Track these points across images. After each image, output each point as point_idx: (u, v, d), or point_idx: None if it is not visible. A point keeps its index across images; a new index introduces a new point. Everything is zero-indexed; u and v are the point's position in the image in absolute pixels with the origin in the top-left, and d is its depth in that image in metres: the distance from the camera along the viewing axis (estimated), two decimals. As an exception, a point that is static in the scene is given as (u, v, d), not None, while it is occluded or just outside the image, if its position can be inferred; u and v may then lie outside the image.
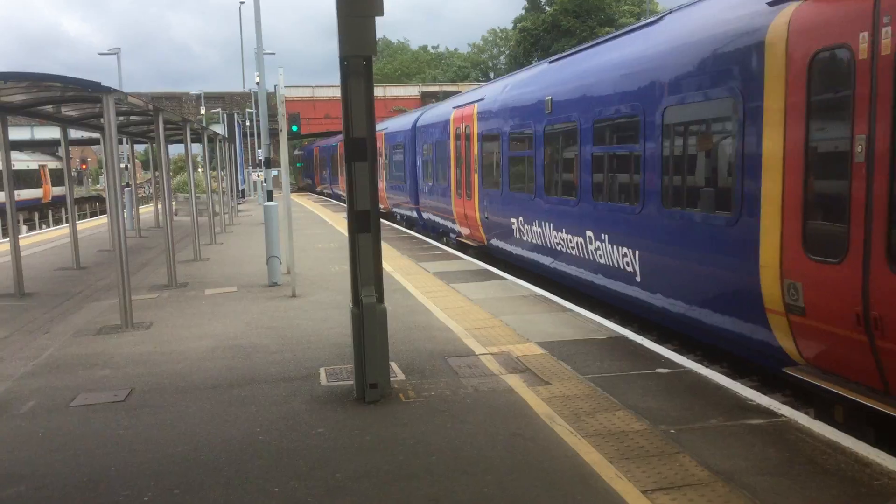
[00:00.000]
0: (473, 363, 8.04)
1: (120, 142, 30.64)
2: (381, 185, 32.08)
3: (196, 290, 13.76)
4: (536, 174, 12.78)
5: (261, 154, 46.18)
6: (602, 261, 10.48)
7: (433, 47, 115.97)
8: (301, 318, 10.86)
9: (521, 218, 13.71)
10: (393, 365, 7.78)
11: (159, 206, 35.18)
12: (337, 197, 46.63)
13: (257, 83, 28.91)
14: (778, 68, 6.64)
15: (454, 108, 19.09)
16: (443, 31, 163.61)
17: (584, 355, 8.14)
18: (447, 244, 20.13)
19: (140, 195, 51.42)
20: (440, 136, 20.44)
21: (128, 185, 28.71)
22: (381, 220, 41.30)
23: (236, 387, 7.55)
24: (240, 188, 43.89)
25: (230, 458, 5.68)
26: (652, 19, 10.10)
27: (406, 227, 25.69)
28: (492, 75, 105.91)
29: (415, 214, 25.37)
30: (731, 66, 7.40)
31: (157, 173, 38.62)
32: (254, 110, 54.27)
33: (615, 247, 10.05)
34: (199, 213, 30.29)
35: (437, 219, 21.93)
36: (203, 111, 46.15)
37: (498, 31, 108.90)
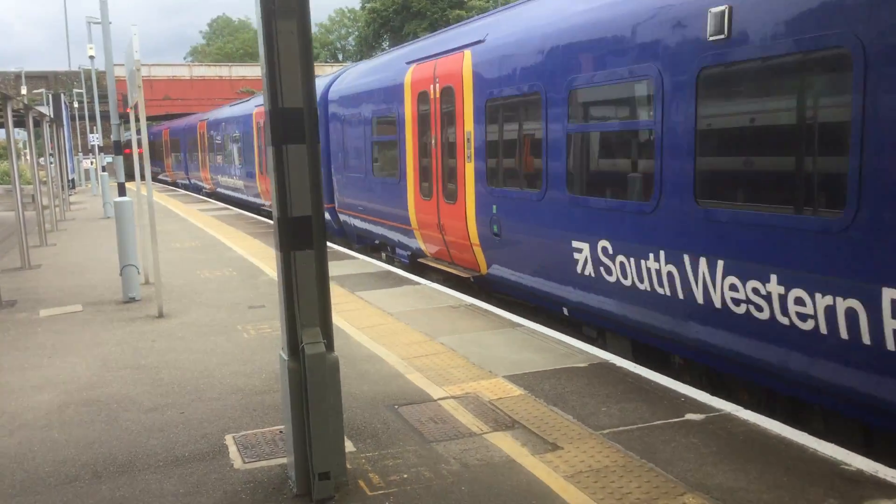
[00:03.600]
0: (437, 414, 6.00)
1: None
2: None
3: (28, 310, 10.78)
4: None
5: (94, 140, 41.34)
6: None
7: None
8: (177, 349, 8.36)
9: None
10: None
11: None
12: (196, 189, 42.76)
13: (91, 56, 25.09)
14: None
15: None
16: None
17: (577, 395, 6.30)
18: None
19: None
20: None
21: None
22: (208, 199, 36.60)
23: (104, 479, 5.11)
24: (69, 177, 39.00)
25: None
26: None
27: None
28: (341, 57, 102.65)
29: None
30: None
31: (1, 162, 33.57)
32: (83, 90, 48.79)
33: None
34: (25, 206, 26.13)
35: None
36: (24, 91, 40.63)
37: (346, 11, 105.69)
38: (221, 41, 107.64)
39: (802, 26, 5.42)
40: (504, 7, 11.08)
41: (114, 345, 8.67)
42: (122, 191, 11.42)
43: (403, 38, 71.14)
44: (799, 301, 5.51)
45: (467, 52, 10.48)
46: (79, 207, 30.75)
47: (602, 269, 7.77)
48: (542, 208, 8.82)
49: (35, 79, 51.36)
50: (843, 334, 5.19)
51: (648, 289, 7.11)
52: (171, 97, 60.18)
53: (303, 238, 4.60)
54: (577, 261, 8.19)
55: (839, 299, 5.19)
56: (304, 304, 4.64)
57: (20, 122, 21.76)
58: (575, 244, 8.19)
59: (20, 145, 48.81)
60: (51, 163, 24.73)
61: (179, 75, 62.45)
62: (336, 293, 10.93)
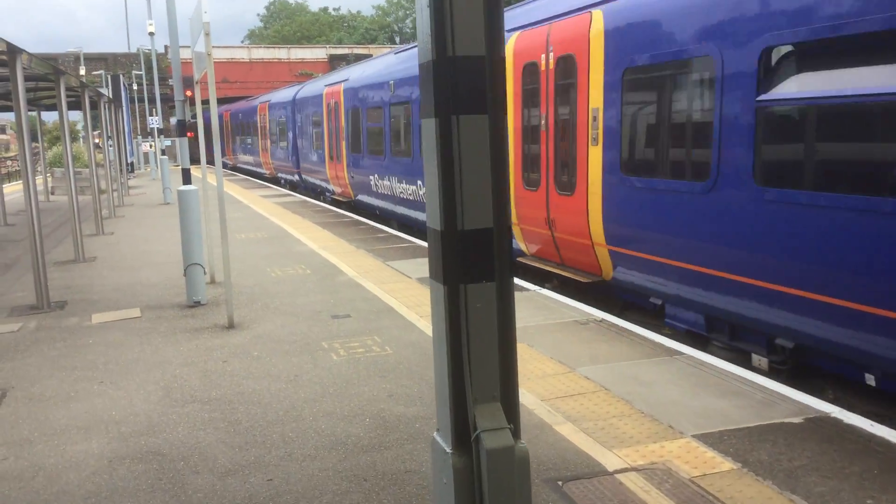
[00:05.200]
0: (622, 499, 4.29)
1: (5, 109, 24.97)
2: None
3: (79, 314, 9.39)
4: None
5: (153, 122, 40.54)
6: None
7: (334, 9, 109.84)
8: (255, 374, 6.81)
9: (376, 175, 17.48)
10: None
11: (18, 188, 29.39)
12: (258, 175, 41.77)
13: (151, 33, 23.86)
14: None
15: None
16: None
17: (816, 473, 4.51)
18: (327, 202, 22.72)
19: (3, 171, 44.82)
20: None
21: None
22: (266, 183, 35.18)
23: None
24: (129, 161, 38.28)
25: None
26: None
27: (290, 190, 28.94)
28: (398, 39, 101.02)
29: (296, 178, 28.44)
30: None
31: (45, 144, 32.74)
32: (142, 72, 48.13)
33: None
34: (81, 190, 25.12)
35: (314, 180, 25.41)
36: (83, 72, 39.98)
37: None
38: (279, 24, 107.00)
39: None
40: (356, 63, 15.87)
41: (178, 365, 7.17)
42: (186, 178, 9.92)
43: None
44: None
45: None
46: (138, 192, 29.77)
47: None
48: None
49: (94, 61, 50.93)
50: None
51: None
52: (229, 80, 59.33)
53: (480, 264, 2.92)
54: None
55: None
56: (480, 365, 2.96)
57: (77, 105, 20.63)
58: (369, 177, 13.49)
59: (77, 127, 48.47)
60: (109, 146, 23.64)
61: (238, 58, 61.60)
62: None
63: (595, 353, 6.94)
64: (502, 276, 2.94)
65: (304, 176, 27.03)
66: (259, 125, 34.83)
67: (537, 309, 8.66)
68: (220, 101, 54.29)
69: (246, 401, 6.14)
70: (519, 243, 11.09)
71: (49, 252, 14.76)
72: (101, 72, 46.12)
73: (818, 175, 5.94)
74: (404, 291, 9.94)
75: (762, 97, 6.32)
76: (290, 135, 27.92)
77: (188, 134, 12.47)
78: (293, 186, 29.75)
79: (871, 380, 5.97)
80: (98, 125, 30.63)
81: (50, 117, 47.44)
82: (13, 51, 9.16)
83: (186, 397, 6.29)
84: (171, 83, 39.55)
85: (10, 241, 16.90)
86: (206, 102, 8.72)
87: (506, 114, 2.92)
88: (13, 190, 30.84)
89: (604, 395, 5.89)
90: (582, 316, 8.30)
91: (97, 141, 33.29)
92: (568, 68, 9.22)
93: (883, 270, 5.43)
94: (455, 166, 2.86)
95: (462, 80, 2.82)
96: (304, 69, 59.55)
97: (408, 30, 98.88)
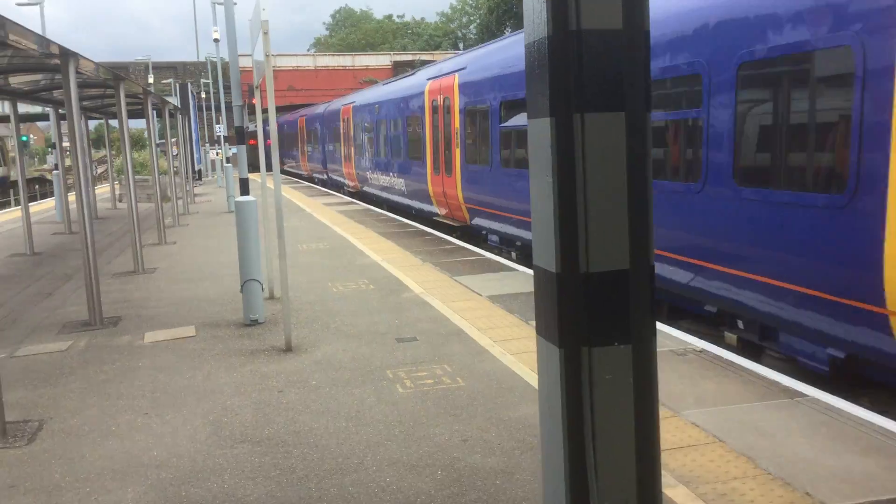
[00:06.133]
0: None
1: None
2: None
3: (132, 332, 8.88)
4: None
5: (219, 130, 40.78)
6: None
7: (398, 16, 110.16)
8: (312, 408, 6.10)
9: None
10: None
11: (98, 192, 29.85)
12: (298, 176, 42.34)
13: (216, 39, 23.71)
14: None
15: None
16: (409, 3, 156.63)
17: None
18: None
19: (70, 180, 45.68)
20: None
21: (56, 167, 23.37)
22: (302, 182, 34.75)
23: None
24: (196, 168, 38.54)
25: None
26: None
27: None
28: (461, 46, 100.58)
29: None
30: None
31: (113, 152, 33.14)
32: (209, 80, 48.62)
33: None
34: (147, 198, 25.10)
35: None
36: (151, 80, 40.48)
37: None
38: (344, 32, 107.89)
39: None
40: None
41: (230, 395, 6.51)
42: (244, 188, 9.33)
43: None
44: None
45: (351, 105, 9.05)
46: (203, 200, 29.74)
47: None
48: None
49: (163, 69, 51.76)
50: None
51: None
52: (294, 88, 59.64)
53: (612, 319, 2.10)
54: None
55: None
56: (609, 464, 2.13)
57: (141, 113, 20.53)
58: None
59: (143, 135, 49.26)
60: (174, 154, 23.54)
61: (303, 66, 61.92)
62: (520, 332, 8.48)
63: (701, 392, 6.01)
64: (641, 336, 2.12)
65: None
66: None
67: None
68: (286, 109, 54.58)
69: (302, 442, 5.42)
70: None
71: (110, 262, 14.50)
72: (170, 80, 46.79)
73: None
74: (474, 311, 9.15)
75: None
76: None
77: (250, 141, 11.93)
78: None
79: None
80: (173, 133, 30.76)
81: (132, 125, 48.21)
82: (66, 54, 8.72)
83: (236, 435, 5.61)
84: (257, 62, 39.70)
85: (74, 250, 16.70)
86: (283, 109, 8.12)
87: (649, 111, 2.10)
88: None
89: (719, 448, 4.97)
90: (678, 344, 7.35)
91: (162, 149, 33.48)
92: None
93: None
94: (577, 183, 2.05)
95: (590, 63, 2.01)
96: (369, 76, 59.46)
97: (471, 36, 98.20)
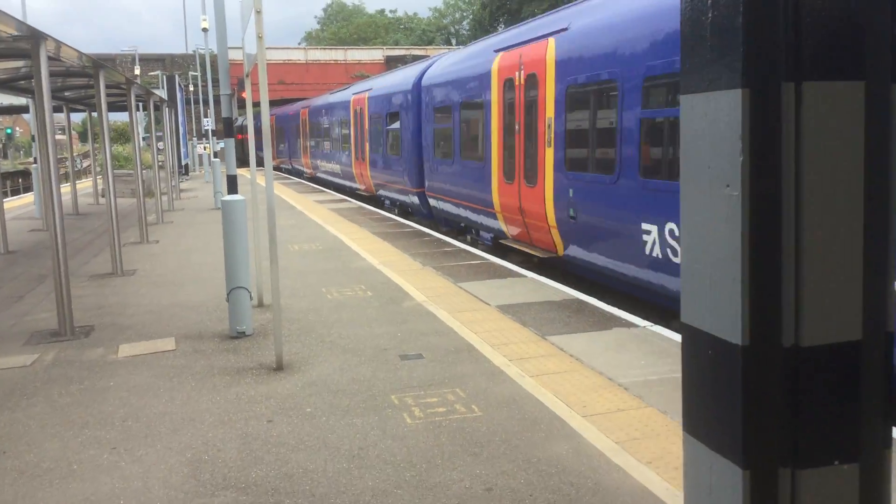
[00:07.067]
0: None
1: (58, 109, 24.09)
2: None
3: (105, 344, 8.01)
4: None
5: (207, 123, 39.76)
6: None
7: (391, 11, 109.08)
8: (306, 443, 5.26)
9: None
10: None
11: (81, 187, 28.61)
12: (297, 173, 40.66)
13: (205, 29, 22.78)
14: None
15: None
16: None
17: None
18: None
19: (62, 171, 44.59)
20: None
21: (35, 160, 22.37)
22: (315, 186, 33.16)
23: None
24: (182, 163, 37.52)
25: None
26: None
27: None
28: (454, 42, 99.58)
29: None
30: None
31: (96, 145, 31.89)
32: (198, 73, 47.58)
33: None
34: (131, 193, 24.15)
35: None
36: (137, 71, 39.40)
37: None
38: (336, 26, 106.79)
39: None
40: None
41: (212, 424, 5.67)
42: (232, 186, 8.46)
43: (520, 20, 67.57)
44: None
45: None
46: (189, 196, 28.79)
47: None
48: None
49: (151, 61, 50.61)
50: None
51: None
52: (285, 82, 58.57)
53: (833, 422, 1.28)
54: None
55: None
56: None
57: (126, 105, 19.58)
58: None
59: (139, 128, 48.05)
60: (160, 147, 22.61)
61: (294, 59, 60.86)
62: (539, 349, 7.66)
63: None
64: (873, 448, 1.31)
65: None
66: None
67: (656, 355, 6.95)
68: (277, 103, 53.54)
69: (296, 490, 4.59)
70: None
71: (88, 262, 13.62)
72: (158, 72, 45.73)
73: None
74: (483, 323, 8.33)
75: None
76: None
77: (237, 136, 11.08)
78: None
79: None
80: (158, 126, 29.74)
81: (114, 118, 47.12)
82: (36, 36, 7.83)
83: (218, 479, 4.77)
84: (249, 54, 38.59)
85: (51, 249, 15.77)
86: (273, 103, 7.26)
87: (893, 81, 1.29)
88: (65, 191, 30.15)
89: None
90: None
91: (149, 143, 32.47)
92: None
93: None
94: (784, 197, 1.23)
95: (812, 7, 1.19)
96: (361, 70, 58.49)
97: (464, 32, 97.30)
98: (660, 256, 8.50)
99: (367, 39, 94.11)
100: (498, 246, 13.57)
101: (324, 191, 29.24)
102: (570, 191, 10.47)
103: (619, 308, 8.82)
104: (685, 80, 1.48)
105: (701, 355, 1.39)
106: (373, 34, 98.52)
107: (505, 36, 13.86)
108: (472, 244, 14.34)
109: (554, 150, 10.90)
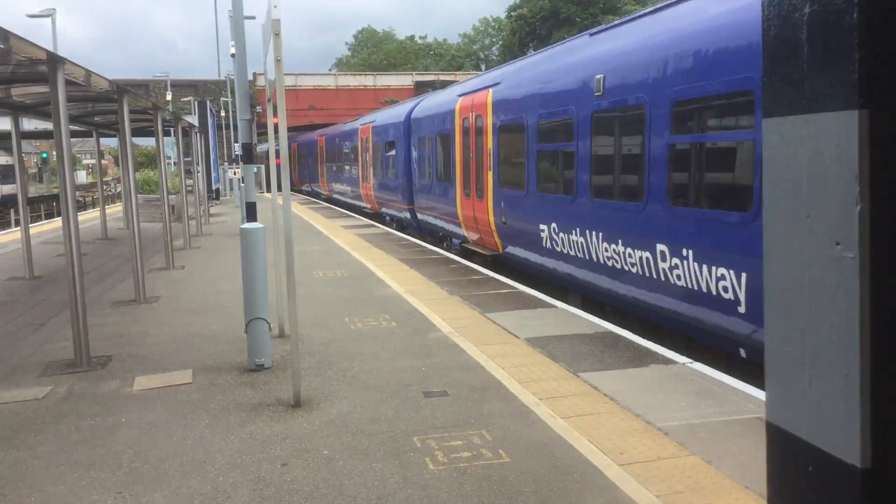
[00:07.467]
0: None
1: (87, 134, 24.40)
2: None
3: (121, 376, 7.76)
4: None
5: (237, 149, 39.99)
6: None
7: (421, 38, 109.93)
8: (322, 490, 4.92)
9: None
10: None
11: (111, 210, 28.75)
12: (316, 195, 43.26)
13: (233, 54, 22.80)
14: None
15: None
16: (432, 25, 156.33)
17: None
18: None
19: (95, 195, 45.13)
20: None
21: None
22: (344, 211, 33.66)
23: None
24: (213, 187, 37.72)
25: None
26: None
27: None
28: (484, 67, 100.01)
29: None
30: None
31: (139, 170, 32.14)
32: (229, 99, 48.00)
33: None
34: (160, 218, 24.14)
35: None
36: (169, 97, 39.82)
37: (490, 19, 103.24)
38: (366, 52, 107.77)
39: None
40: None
41: (224, 467, 5.35)
42: (251, 213, 8.21)
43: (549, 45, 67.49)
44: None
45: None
46: (218, 220, 28.81)
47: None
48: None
49: (184, 87, 51.21)
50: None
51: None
52: (315, 107, 59.03)
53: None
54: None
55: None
56: None
57: (167, 131, 19.64)
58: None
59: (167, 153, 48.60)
60: (187, 172, 22.64)
61: (324, 85, 61.36)
62: (556, 375, 7.27)
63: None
64: None
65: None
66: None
67: (697, 395, 6.52)
68: (306, 128, 53.89)
69: (308, 544, 4.24)
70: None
71: (112, 288, 13.48)
72: (190, 98, 46.21)
73: None
74: (512, 358, 7.96)
75: None
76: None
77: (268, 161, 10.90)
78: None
79: None
80: (187, 152, 29.91)
81: (144, 142, 47.68)
82: (53, 60, 7.69)
83: (226, 531, 4.44)
84: (257, 109, 39.07)
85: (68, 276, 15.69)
86: (299, 129, 7.01)
87: None
88: (91, 217, 30.37)
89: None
90: (759, 405, 6.11)
91: (185, 168, 32.71)
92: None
93: None
94: None
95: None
96: (391, 96, 58.72)
97: (494, 57, 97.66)
98: (553, 247, 11.67)
99: (397, 65, 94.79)
100: (464, 250, 16.84)
101: (351, 215, 29.12)
102: (502, 203, 13.89)
103: (655, 343, 8.39)
104: (769, 98, 1.15)
105: (798, 471, 1.04)
106: (402, 60, 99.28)
107: (466, 84, 17.57)
108: (467, 257, 16.25)
109: (493, 172, 14.33)
